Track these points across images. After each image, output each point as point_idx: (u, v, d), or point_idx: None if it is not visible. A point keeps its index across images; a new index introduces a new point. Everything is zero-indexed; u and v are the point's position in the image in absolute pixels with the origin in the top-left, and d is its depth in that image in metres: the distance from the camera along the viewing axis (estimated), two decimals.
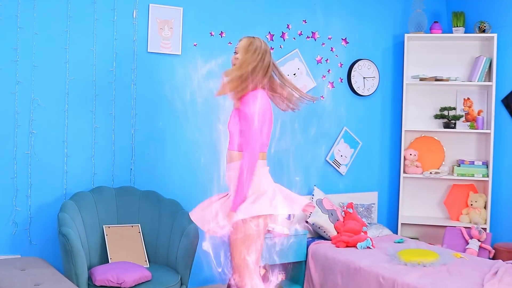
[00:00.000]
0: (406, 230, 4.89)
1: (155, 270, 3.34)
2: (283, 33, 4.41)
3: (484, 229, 4.57)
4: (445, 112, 4.84)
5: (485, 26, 4.66)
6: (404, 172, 4.87)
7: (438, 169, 4.89)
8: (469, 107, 4.86)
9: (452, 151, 4.94)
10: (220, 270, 2.90)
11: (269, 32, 4.34)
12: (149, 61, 3.87)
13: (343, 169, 4.75)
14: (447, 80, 4.77)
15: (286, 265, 4.27)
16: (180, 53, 3.96)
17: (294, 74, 4.45)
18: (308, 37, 4.53)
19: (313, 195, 4.39)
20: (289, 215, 4.10)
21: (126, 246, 3.48)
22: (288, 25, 4.43)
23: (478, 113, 4.81)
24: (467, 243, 4.36)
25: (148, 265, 3.46)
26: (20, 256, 3.41)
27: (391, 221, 5.00)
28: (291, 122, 4.02)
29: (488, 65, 4.67)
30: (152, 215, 3.65)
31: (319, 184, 4.57)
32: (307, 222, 4.30)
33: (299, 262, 4.13)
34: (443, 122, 4.86)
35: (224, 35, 4.13)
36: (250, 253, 2.78)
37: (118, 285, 3.04)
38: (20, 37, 3.42)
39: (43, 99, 3.51)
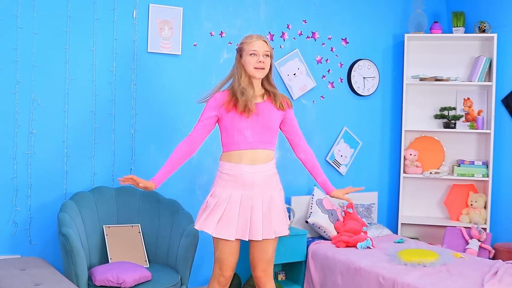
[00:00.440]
0: (406, 230, 4.89)
1: (155, 270, 3.34)
2: (283, 33, 4.41)
3: (484, 229, 4.57)
4: (445, 112, 4.84)
5: (485, 26, 4.66)
6: (404, 172, 4.87)
7: (438, 169, 4.89)
8: (469, 107, 4.86)
9: (452, 151, 4.94)
10: None
11: (269, 32, 4.34)
12: (149, 61, 3.87)
13: (343, 169, 4.75)
14: (447, 80, 4.77)
15: (286, 265, 4.27)
16: (180, 53, 3.96)
17: (294, 74, 4.45)
18: (308, 37, 4.53)
19: (313, 195, 4.39)
20: (289, 215, 4.11)
21: (126, 246, 3.48)
22: (288, 25, 4.43)
23: (478, 113, 4.81)
24: (467, 243, 4.36)
25: (148, 265, 3.46)
26: (20, 256, 3.41)
27: (391, 221, 5.00)
28: None
29: (488, 65, 4.67)
30: (152, 215, 3.65)
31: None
32: (307, 222, 4.30)
33: (299, 262, 4.13)
34: (443, 122, 4.86)
35: (224, 35, 4.13)
36: None
37: (118, 285, 3.04)
38: (20, 37, 3.42)
39: (43, 99, 3.51)
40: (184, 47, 3.98)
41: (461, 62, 4.89)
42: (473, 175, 4.71)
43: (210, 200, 2.85)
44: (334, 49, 4.66)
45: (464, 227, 4.50)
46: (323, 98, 4.63)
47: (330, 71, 4.66)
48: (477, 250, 4.29)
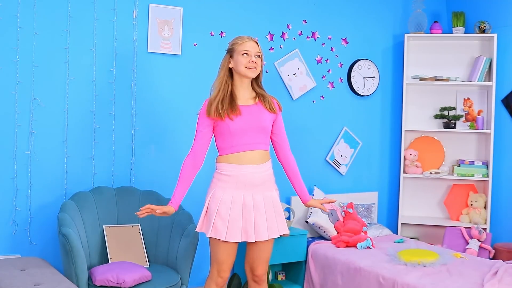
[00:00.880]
0: (406, 230, 4.89)
1: (155, 270, 3.35)
2: (283, 33, 4.41)
3: (484, 229, 4.57)
4: (445, 112, 4.84)
5: (485, 26, 4.66)
6: (404, 172, 4.87)
7: (438, 169, 4.89)
8: (469, 107, 4.86)
9: (452, 151, 4.94)
10: None
11: (269, 32, 4.35)
12: (149, 61, 3.87)
13: (343, 169, 4.75)
14: (447, 80, 4.77)
15: (286, 265, 4.27)
16: (180, 53, 3.96)
17: (294, 74, 4.45)
18: (308, 37, 4.53)
19: (313, 195, 4.39)
20: (289, 215, 4.11)
21: (126, 246, 3.48)
22: (288, 25, 4.43)
23: (478, 113, 4.80)
24: (467, 243, 4.36)
25: (148, 265, 3.46)
26: (20, 256, 3.41)
27: (391, 221, 5.00)
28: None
29: (488, 65, 4.67)
30: (152, 215, 3.64)
31: (319, 184, 4.58)
32: (307, 222, 4.30)
33: (299, 262, 4.13)
34: (443, 122, 4.86)
35: (224, 35, 4.13)
36: None
37: (118, 285, 3.04)
38: (20, 37, 3.42)
39: (43, 99, 3.51)
40: (184, 47, 3.98)
41: (461, 62, 4.89)
42: (473, 175, 4.71)
43: (211, 203, 2.84)
44: (334, 49, 4.66)
45: (464, 227, 4.50)
46: (323, 98, 4.62)
47: (330, 71, 4.66)
48: (477, 250, 4.29)
